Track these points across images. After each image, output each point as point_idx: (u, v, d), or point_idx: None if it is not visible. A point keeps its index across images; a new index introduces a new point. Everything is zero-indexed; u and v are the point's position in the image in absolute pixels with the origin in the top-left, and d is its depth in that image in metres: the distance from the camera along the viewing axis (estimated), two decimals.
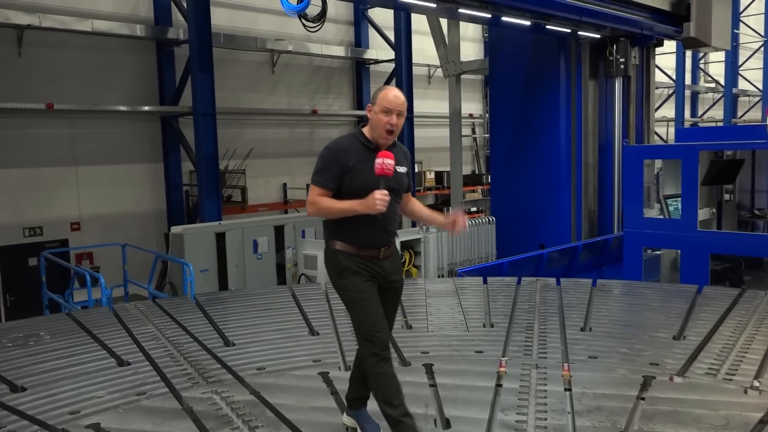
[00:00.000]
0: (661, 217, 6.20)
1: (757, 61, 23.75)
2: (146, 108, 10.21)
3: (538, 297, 4.48)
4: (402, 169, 2.85)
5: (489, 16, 6.41)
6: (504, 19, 6.65)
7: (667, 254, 6.42)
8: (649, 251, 6.06)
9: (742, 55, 23.47)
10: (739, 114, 24.65)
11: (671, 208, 6.20)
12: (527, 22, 6.86)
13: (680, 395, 2.80)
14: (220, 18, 11.24)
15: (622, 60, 8.22)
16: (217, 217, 9.37)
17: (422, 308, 4.28)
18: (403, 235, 7.84)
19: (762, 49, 23.15)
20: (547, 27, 7.18)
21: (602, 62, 8.53)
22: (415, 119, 12.54)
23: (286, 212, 12.45)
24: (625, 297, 4.46)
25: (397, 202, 2.90)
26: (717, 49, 9.07)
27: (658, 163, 8.54)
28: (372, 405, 2.64)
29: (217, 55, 10.82)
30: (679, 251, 5.63)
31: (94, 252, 10.07)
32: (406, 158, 2.96)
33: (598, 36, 8.03)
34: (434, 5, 5.88)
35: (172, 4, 10.61)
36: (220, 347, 3.58)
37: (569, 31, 7.52)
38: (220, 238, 8.62)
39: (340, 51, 13.24)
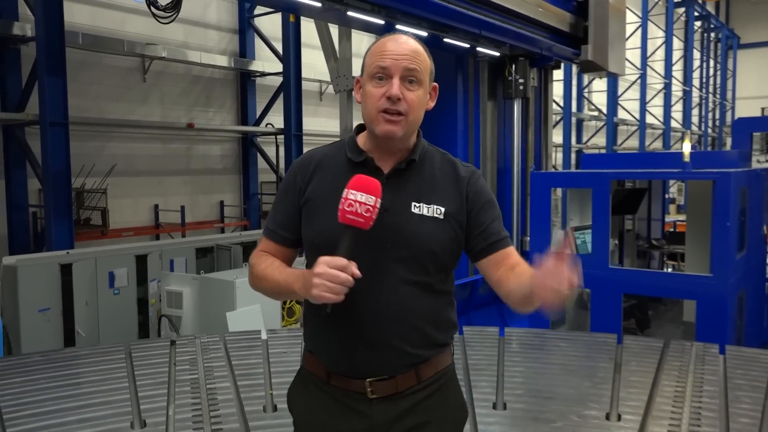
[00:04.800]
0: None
1: (635, 93, 25.01)
2: None
3: None
4: (430, 210, 1.53)
5: (382, 22, 5.68)
6: (398, 27, 5.94)
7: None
8: None
9: (621, 86, 24.63)
10: (619, 142, 25.82)
11: (578, 242, 5.69)
12: (424, 33, 6.21)
13: None
14: (80, 15, 9.85)
15: (521, 81, 7.79)
16: (68, 243, 7.97)
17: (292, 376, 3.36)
18: None
19: (639, 81, 24.38)
20: (445, 40, 6.57)
21: (501, 82, 8.07)
22: (305, 138, 11.66)
23: (157, 238, 11.08)
24: (538, 353, 3.77)
25: (415, 279, 1.52)
26: (613, 74, 8.91)
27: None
28: None
29: (76, 57, 9.47)
30: (589, 290, 5.08)
31: None
32: (457, 184, 1.59)
33: (498, 54, 7.56)
34: (319, 4, 5.06)
35: None
36: None
37: (468, 46, 6.96)
38: (67, 270, 7.23)
39: (222, 60, 12.11)
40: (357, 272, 1.40)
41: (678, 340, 3.85)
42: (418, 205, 1.53)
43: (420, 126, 1.61)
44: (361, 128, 1.64)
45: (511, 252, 1.63)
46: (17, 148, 9.18)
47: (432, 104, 1.63)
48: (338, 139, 1.71)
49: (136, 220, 10.98)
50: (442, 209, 1.54)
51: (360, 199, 1.40)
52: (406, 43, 1.51)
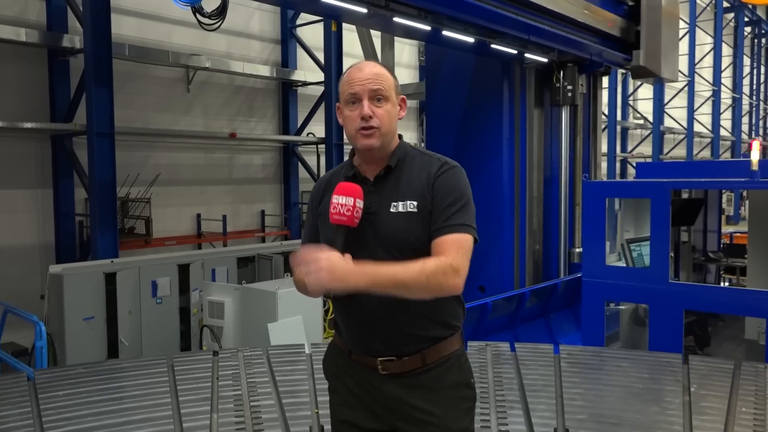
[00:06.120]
0: (624, 265, 5.40)
1: (682, 100, 24.30)
2: (30, 125, 8.76)
3: (491, 373, 3.50)
4: (403, 206, 1.74)
5: (428, 28, 5.54)
6: (445, 33, 5.80)
7: (628, 306, 5.62)
8: (611, 305, 5.23)
9: (668, 94, 23.97)
10: (665, 150, 25.09)
11: (634, 254, 5.42)
12: (471, 39, 6.05)
13: None
14: (127, 27, 10.01)
15: (569, 87, 7.55)
16: (112, 252, 8.02)
17: None
18: None
19: (686, 88, 23.67)
20: (492, 46, 6.39)
21: (548, 89, 7.85)
22: (345, 147, 11.59)
23: (199, 247, 11.14)
24: (598, 373, 3.54)
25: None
26: (666, 80, 8.58)
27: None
28: None
29: (124, 68, 9.61)
30: (647, 306, 4.81)
31: None
32: (427, 179, 1.77)
33: (545, 60, 7.34)
34: (365, 10, 4.95)
35: (69, 8, 9.29)
36: None
37: (515, 52, 6.78)
38: (111, 278, 7.27)
39: (265, 71, 12.16)
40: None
41: (742, 359, 3.57)
42: (395, 204, 1.75)
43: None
44: (354, 151, 1.91)
45: (443, 241, 1.71)
46: (65, 158, 9.35)
47: (403, 114, 1.85)
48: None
49: (179, 229, 11.06)
50: (415, 203, 1.74)
51: (341, 201, 1.68)
52: (369, 69, 1.77)
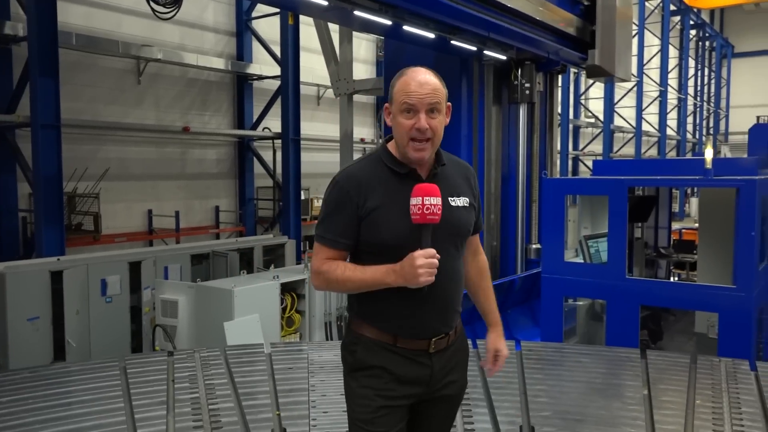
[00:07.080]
0: (582, 261, 5.47)
1: (630, 100, 24.97)
2: None
3: None
4: (461, 201, 1.99)
5: (389, 22, 5.48)
6: (405, 28, 5.75)
7: (584, 302, 5.70)
8: (570, 301, 5.29)
9: (617, 94, 24.59)
10: (615, 149, 25.72)
11: (592, 251, 5.50)
12: (431, 35, 6.01)
13: None
14: (74, 16, 9.63)
15: (527, 85, 7.61)
16: (58, 250, 7.72)
17: (303, 395, 3.13)
18: (284, 275, 6.64)
19: (635, 88, 24.31)
20: (452, 43, 6.38)
21: (506, 87, 7.89)
22: (302, 142, 11.44)
23: (151, 244, 10.81)
24: (559, 369, 3.56)
25: (458, 255, 2.01)
26: (619, 80, 8.75)
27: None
28: None
29: (70, 57, 9.26)
30: (604, 301, 4.88)
31: None
32: (468, 180, 2.07)
33: (504, 58, 7.38)
34: (325, 3, 4.85)
35: None
36: None
37: (475, 49, 6.78)
38: (57, 277, 6.96)
39: (219, 63, 11.88)
40: (438, 256, 1.81)
41: (697, 353, 3.65)
42: (453, 198, 1.95)
43: None
44: (387, 139, 2.00)
45: (476, 239, 2.19)
46: (7, 151, 8.92)
47: (447, 120, 1.98)
48: (353, 150, 2.22)
49: (129, 225, 10.71)
50: (467, 199, 2.00)
51: (433, 202, 1.79)
52: (427, 84, 1.86)
